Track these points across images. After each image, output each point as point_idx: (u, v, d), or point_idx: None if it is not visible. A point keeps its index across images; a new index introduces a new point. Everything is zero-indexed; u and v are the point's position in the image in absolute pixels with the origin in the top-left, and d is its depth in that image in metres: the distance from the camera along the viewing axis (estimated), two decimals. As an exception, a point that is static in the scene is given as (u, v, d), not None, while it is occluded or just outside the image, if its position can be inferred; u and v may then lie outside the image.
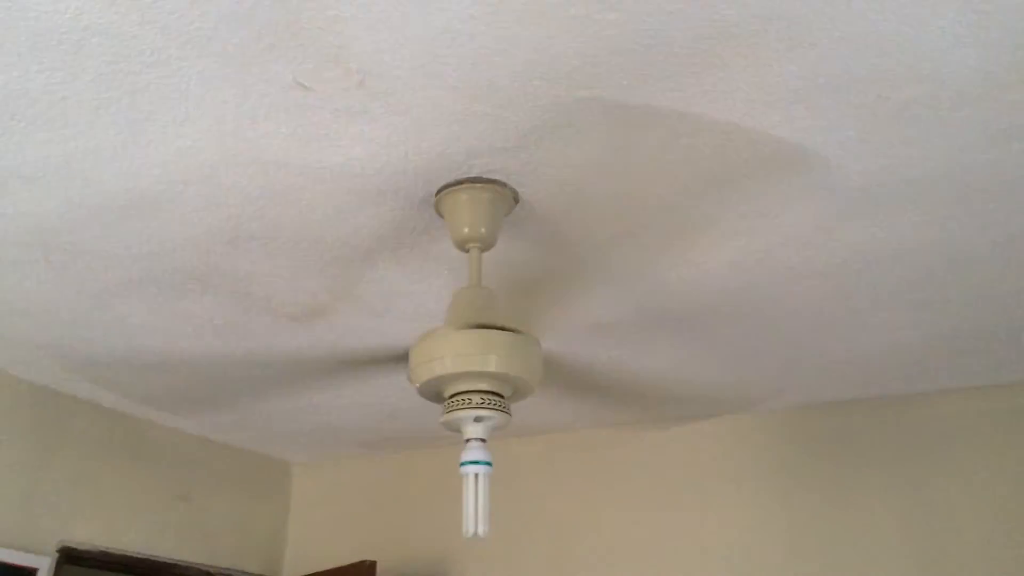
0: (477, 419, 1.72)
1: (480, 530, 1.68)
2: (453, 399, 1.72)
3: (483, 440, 1.74)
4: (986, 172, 1.77)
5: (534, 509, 3.38)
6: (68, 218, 1.97)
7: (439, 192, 1.85)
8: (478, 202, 1.83)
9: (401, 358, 2.37)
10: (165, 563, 3.38)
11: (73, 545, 3.05)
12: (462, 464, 1.72)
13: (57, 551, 3.00)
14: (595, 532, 3.28)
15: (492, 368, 1.70)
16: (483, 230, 1.84)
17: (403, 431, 3.49)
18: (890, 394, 2.97)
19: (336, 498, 3.88)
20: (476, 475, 1.71)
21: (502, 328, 1.75)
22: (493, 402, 1.71)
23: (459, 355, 1.71)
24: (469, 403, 1.70)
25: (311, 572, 3.49)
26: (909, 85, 1.53)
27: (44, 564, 2.93)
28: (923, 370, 2.78)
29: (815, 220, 1.96)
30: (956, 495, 2.81)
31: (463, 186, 1.82)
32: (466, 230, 1.84)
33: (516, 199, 1.87)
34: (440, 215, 1.90)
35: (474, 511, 1.69)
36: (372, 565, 3.18)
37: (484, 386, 1.71)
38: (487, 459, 1.73)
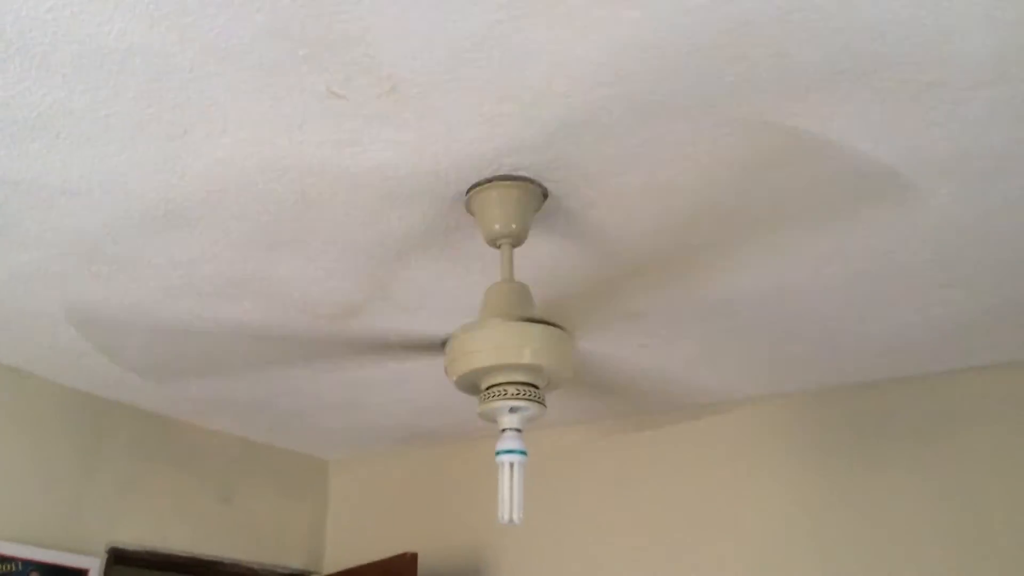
0: (512, 409, 1.77)
1: (515, 517, 1.73)
2: (489, 390, 1.77)
3: (518, 430, 1.79)
4: (1009, 150, 1.79)
5: (568, 499, 3.42)
6: (111, 230, 2.04)
7: (469, 191, 1.90)
8: (508, 199, 1.87)
9: (436, 354, 2.41)
10: (210, 561, 3.47)
11: (121, 546, 3.15)
12: (498, 453, 1.77)
13: (107, 552, 3.09)
14: (628, 520, 3.32)
15: (527, 360, 1.75)
16: (513, 226, 1.89)
17: (437, 426, 3.55)
18: (920, 373, 2.97)
19: (373, 493, 3.95)
20: (511, 464, 1.76)
21: (536, 321, 1.80)
22: (528, 393, 1.76)
23: (495, 348, 1.75)
24: (505, 394, 1.75)
25: (351, 566, 3.56)
26: (929, 68, 1.55)
27: (95, 565, 3.02)
28: (953, 348, 2.79)
29: (842, 205, 1.98)
30: (988, 473, 2.81)
31: (492, 184, 1.86)
32: (497, 227, 1.89)
33: (545, 195, 1.92)
34: (471, 213, 1.95)
35: (509, 499, 1.74)
36: (413, 557, 3.23)
37: (519, 377, 1.76)
38: (522, 448, 1.78)
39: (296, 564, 3.79)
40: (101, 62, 1.51)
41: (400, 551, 3.29)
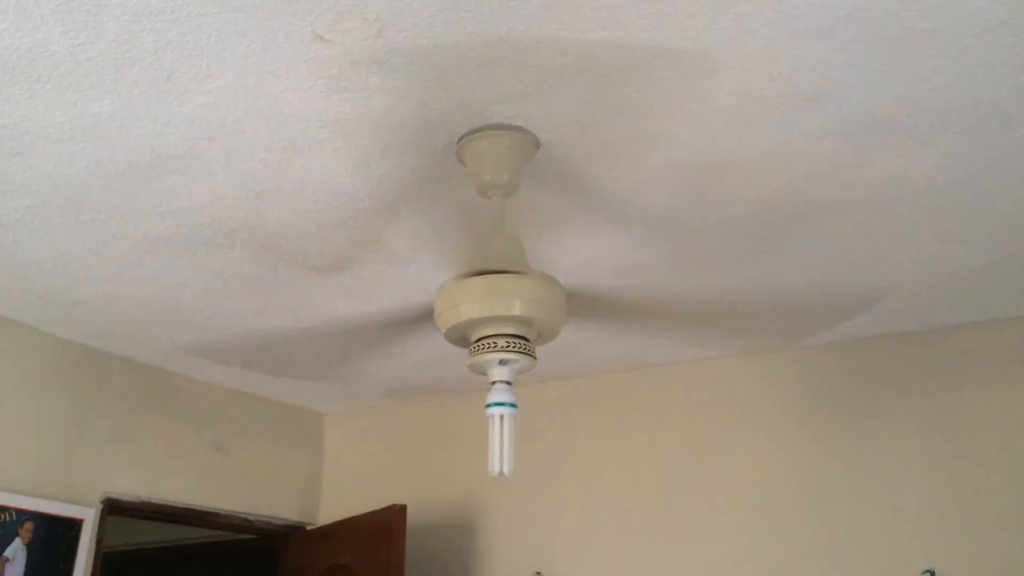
0: (502, 362, 1.76)
1: (505, 469, 1.72)
2: (479, 343, 1.76)
3: (508, 383, 1.78)
4: (1011, 100, 1.75)
5: (560, 453, 3.43)
6: (97, 177, 2.01)
7: (460, 140, 1.86)
8: (499, 148, 1.84)
9: (427, 306, 2.40)
10: (205, 512, 3.49)
11: (116, 496, 3.16)
12: (487, 406, 1.77)
13: (101, 502, 3.11)
14: (620, 473, 3.33)
15: (517, 312, 1.73)
16: (505, 176, 1.86)
17: (431, 379, 3.54)
18: (916, 328, 2.97)
19: (367, 446, 3.96)
20: (501, 416, 1.75)
21: (526, 273, 1.77)
22: (518, 345, 1.75)
23: (484, 300, 1.74)
24: (494, 346, 1.74)
25: (344, 517, 3.59)
26: (930, 15, 1.51)
27: (89, 515, 3.04)
28: (951, 303, 2.77)
29: (839, 155, 1.95)
30: (981, 427, 2.82)
31: (484, 133, 1.83)
32: (488, 177, 1.86)
33: (537, 144, 1.88)
34: (462, 163, 1.92)
35: (499, 451, 1.74)
36: (402, 509, 3.25)
37: (509, 330, 1.75)
38: (512, 401, 1.77)
39: (291, 515, 3.81)
40: (80, 3, 1.46)
41: (392, 503, 3.31)
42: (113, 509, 3.16)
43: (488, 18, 1.51)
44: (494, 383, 1.78)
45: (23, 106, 1.74)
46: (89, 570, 3.00)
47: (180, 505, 3.39)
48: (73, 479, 3.04)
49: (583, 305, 2.71)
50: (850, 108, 1.78)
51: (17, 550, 2.81)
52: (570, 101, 1.75)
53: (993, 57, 1.62)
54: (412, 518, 3.29)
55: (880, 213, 2.20)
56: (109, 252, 2.38)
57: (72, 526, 2.98)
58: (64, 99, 1.72)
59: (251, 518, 3.65)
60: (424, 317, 2.69)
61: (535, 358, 1.78)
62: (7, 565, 2.78)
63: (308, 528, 3.84)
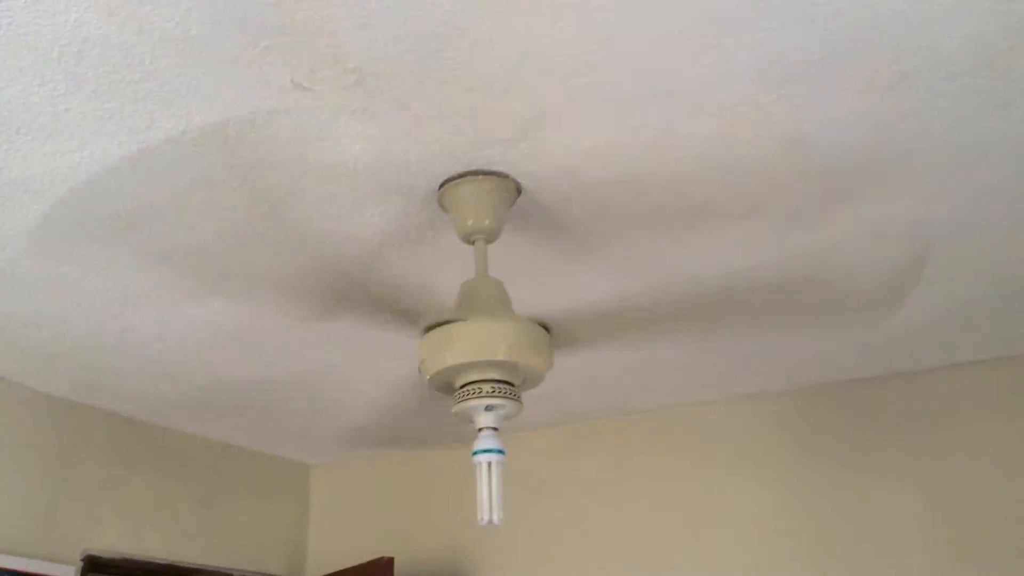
0: (488, 408, 1.73)
1: (495, 517, 1.69)
2: (464, 389, 1.74)
3: (495, 429, 1.76)
4: (986, 141, 1.77)
5: (549, 501, 3.39)
6: (77, 229, 2.00)
7: (442, 186, 1.86)
8: (481, 194, 1.84)
9: (411, 353, 2.38)
10: (188, 568, 3.41)
11: (97, 553, 3.09)
12: (475, 453, 1.74)
13: (82, 560, 3.04)
14: (610, 523, 3.29)
15: (501, 357, 1.71)
16: (487, 222, 1.86)
17: (418, 429, 3.51)
18: (903, 371, 2.96)
19: (355, 498, 3.91)
20: (489, 463, 1.72)
21: (510, 317, 1.76)
22: (503, 391, 1.73)
23: (468, 345, 1.72)
24: (480, 392, 1.72)
25: (332, 571, 3.52)
26: (904, 57, 1.53)
27: (70, 573, 2.97)
28: (935, 345, 2.77)
29: (817, 198, 1.96)
30: (973, 470, 2.80)
31: (465, 179, 1.83)
32: (470, 223, 1.86)
33: (519, 190, 1.89)
34: (444, 209, 1.92)
35: (488, 499, 1.70)
36: (390, 561, 3.20)
37: (494, 375, 1.72)
38: (499, 447, 1.74)
39: (277, 570, 3.74)
40: (59, 55, 1.47)
41: (380, 555, 3.25)
42: (94, 566, 3.08)
43: (466, 64, 1.52)
44: (481, 430, 1.75)
45: (2, 158, 1.73)
46: (68, 631, 2.93)
47: (163, 561, 3.32)
48: (53, 536, 2.97)
49: (569, 349, 2.70)
50: (827, 152, 1.79)
51: (-6, 611, 2.75)
52: (550, 147, 1.76)
53: (967, 98, 1.64)
54: (400, 570, 3.23)
55: (861, 254, 2.21)
56: (90, 304, 2.36)
57: (51, 585, 2.91)
58: (44, 150, 1.72)
59: (236, 573, 3.58)
60: (410, 365, 2.67)
61: (521, 403, 1.76)
62: (-17, 627, 2.71)
63: (294, 583, 3.77)
